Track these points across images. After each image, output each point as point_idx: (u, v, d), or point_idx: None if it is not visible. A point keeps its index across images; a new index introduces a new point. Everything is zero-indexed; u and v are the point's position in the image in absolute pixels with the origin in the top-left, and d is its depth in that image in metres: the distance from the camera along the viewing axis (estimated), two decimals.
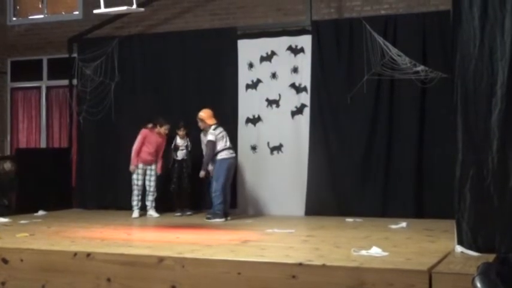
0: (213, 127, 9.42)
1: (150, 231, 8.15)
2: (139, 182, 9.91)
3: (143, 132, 9.94)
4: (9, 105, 12.45)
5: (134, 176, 9.91)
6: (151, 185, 9.96)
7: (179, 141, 10.02)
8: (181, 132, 10.00)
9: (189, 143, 10.04)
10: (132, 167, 9.87)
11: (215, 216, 9.19)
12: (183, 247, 6.47)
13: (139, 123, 10.37)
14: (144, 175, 9.94)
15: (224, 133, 9.42)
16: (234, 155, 9.50)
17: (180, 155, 10.02)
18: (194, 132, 10.00)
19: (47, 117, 12.19)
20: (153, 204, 9.97)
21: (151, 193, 9.97)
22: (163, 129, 9.95)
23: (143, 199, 9.97)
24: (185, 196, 9.99)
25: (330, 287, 5.25)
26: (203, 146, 9.76)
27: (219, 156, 9.29)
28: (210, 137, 9.35)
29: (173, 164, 10.06)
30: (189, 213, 9.87)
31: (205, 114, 9.58)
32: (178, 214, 9.84)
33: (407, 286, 5.07)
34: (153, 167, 9.99)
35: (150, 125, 9.98)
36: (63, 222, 9.08)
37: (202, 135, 9.87)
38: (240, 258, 5.83)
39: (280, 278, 5.43)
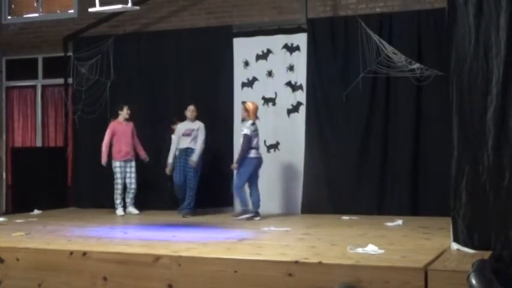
0: (251, 122, 9.14)
1: (146, 230, 8.14)
2: (121, 181, 9.94)
3: (110, 125, 10.03)
4: (5, 104, 12.42)
5: (118, 175, 9.93)
6: (132, 182, 10.00)
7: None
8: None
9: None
10: (103, 161, 9.87)
11: (243, 212, 9.06)
12: (179, 245, 6.46)
13: (135, 121, 10.38)
14: (124, 173, 9.96)
15: (257, 132, 9.20)
16: (260, 155, 9.28)
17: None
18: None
19: (42, 116, 12.17)
20: (133, 201, 10.05)
21: (132, 190, 10.03)
22: (125, 111, 9.98)
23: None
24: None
25: (326, 284, 5.25)
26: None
27: (247, 154, 9.11)
28: (246, 130, 9.09)
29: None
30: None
31: (253, 106, 9.23)
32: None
33: (403, 283, 5.08)
34: (133, 163, 10.00)
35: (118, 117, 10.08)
36: (59, 221, 9.06)
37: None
38: (236, 256, 5.83)
39: (276, 276, 5.43)
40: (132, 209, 10.02)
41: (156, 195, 10.39)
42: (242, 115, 9.41)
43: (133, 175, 10.01)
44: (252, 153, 9.12)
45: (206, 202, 10.06)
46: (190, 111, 9.54)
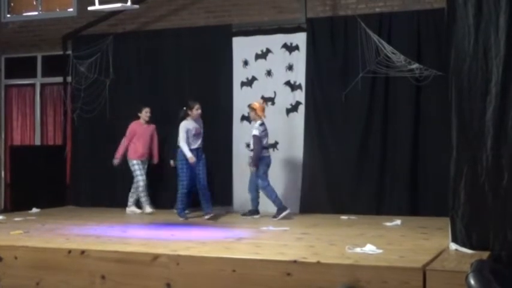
0: (259, 122, 9.15)
1: (144, 229, 8.14)
2: (142, 177, 9.91)
3: (130, 126, 10.03)
4: (3, 103, 12.41)
5: (138, 173, 9.90)
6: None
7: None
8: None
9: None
10: (115, 161, 9.92)
11: (278, 212, 9.00)
12: (177, 245, 6.47)
13: (134, 120, 10.38)
14: (144, 170, 9.98)
15: (267, 131, 9.23)
16: (269, 154, 9.34)
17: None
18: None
19: (41, 115, 12.15)
20: (136, 202, 10.06)
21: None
22: (144, 114, 9.99)
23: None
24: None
25: (324, 284, 5.25)
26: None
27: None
28: (255, 131, 9.10)
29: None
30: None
31: (259, 105, 9.29)
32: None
33: (401, 283, 5.08)
34: (146, 165, 10.05)
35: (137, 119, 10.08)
36: (58, 219, 9.06)
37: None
38: (234, 255, 5.83)
39: (274, 276, 5.43)
40: (134, 208, 10.05)
41: (156, 194, 10.36)
42: (251, 116, 9.39)
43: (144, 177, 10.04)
44: (264, 152, 9.16)
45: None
46: (199, 109, 9.18)
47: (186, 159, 9.01)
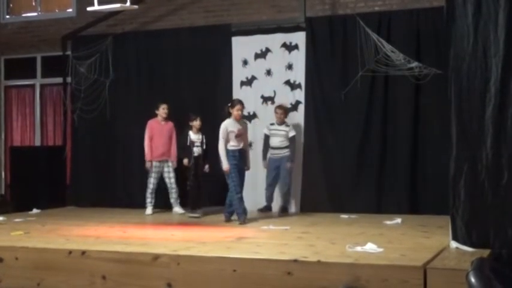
0: (287, 123, 9.66)
1: (145, 229, 8.15)
2: (154, 181, 9.76)
3: (148, 124, 9.85)
4: (3, 104, 12.42)
5: (150, 174, 9.77)
6: (171, 182, 9.78)
7: (193, 136, 9.46)
8: (197, 123, 9.40)
9: (204, 140, 9.51)
10: (147, 163, 9.72)
11: (284, 209, 9.65)
12: (178, 244, 6.47)
13: (134, 120, 10.37)
14: (159, 173, 9.77)
15: None
16: None
17: (196, 151, 9.46)
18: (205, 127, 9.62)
19: (41, 115, 12.17)
20: (178, 201, 9.82)
21: (173, 190, 9.79)
22: (161, 111, 9.78)
23: (157, 196, 9.89)
24: (200, 195, 9.49)
25: (325, 283, 5.25)
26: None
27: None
28: (294, 132, 9.60)
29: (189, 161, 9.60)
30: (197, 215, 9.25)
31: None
32: (197, 215, 9.18)
33: (401, 282, 5.08)
34: (170, 163, 9.81)
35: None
36: (58, 220, 9.06)
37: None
38: (235, 255, 5.83)
39: (275, 275, 5.43)
40: (177, 209, 9.76)
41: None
42: (281, 118, 9.61)
43: (171, 175, 9.76)
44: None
45: (206, 201, 10.05)
46: (240, 110, 8.56)
47: (235, 161, 8.55)
